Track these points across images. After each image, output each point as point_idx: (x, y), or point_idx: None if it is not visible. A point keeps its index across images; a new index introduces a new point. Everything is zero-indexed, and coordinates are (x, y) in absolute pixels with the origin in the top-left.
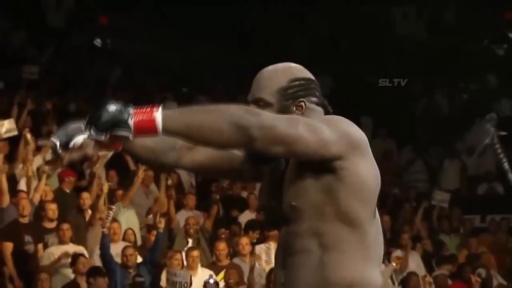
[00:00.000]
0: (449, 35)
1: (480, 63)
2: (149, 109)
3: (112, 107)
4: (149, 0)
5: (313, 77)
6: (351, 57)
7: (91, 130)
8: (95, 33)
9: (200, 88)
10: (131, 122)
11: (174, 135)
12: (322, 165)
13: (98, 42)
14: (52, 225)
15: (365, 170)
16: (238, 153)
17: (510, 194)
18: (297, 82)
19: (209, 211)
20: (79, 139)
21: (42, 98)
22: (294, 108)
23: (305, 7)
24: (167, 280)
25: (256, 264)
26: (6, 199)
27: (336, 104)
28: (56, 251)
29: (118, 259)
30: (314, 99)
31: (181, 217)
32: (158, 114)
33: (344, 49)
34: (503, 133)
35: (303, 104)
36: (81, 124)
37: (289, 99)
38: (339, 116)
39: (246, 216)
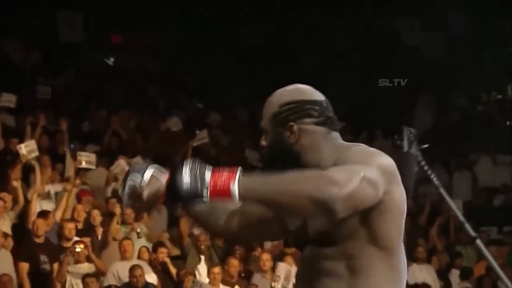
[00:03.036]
0: (459, 45)
1: (494, 72)
2: (227, 178)
3: (187, 178)
4: (162, 17)
5: (314, 97)
6: (363, 68)
7: (169, 200)
8: (108, 52)
9: (215, 104)
10: (207, 195)
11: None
12: None
13: (111, 60)
14: (69, 244)
15: (398, 197)
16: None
17: None
18: (286, 107)
19: None
20: (147, 175)
21: (57, 118)
22: (288, 133)
23: (319, 20)
24: None
25: (273, 284)
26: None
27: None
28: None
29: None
30: (309, 120)
31: None
32: (235, 187)
33: (356, 60)
34: (425, 146)
35: (292, 128)
36: (143, 164)
37: (280, 125)
38: (370, 150)
39: None
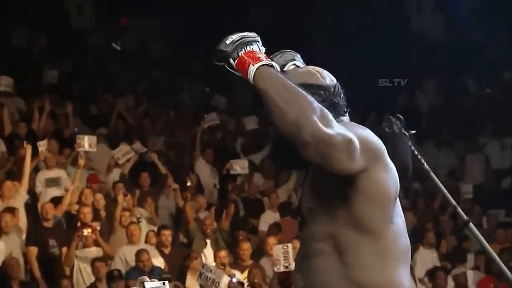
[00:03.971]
0: (468, 27)
1: (500, 56)
2: (254, 59)
3: (229, 41)
4: (169, 1)
5: (321, 82)
6: (371, 50)
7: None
8: (115, 36)
9: (221, 89)
10: (234, 62)
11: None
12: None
13: (118, 45)
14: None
15: (384, 179)
16: None
17: None
18: None
19: (226, 211)
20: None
21: (63, 102)
22: None
23: (326, 3)
24: (201, 274)
25: (275, 269)
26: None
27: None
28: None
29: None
30: None
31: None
32: (253, 68)
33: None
34: (413, 131)
35: None
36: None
37: None
38: (363, 127)
39: (268, 216)
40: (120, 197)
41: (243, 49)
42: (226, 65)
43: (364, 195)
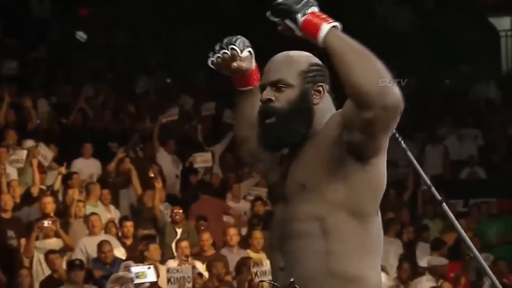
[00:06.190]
0: (429, 18)
1: (459, 48)
2: (326, 18)
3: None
4: None
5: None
6: None
7: (269, 11)
8: (75, 25)
9: (182, 78)
10: (300, 19)
11: (328, 50)
12: (355, 155)
13: (79, 35)
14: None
15: (383, 168)
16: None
17: (492, 178)
18: (315, 67)
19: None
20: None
21: (23, 93)
22: (313, 92)
23: None
24: (169, 279)
25: None
26: None
27: None
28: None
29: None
30: (327, 86)
31: None
32: (327, 26)
33: None
34: None
35: (321, 88)
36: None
37: (310, 82)
38: None
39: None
40: (75, 191)
41: (309, 9)
42: (288, 20)
43: (367, 181)
